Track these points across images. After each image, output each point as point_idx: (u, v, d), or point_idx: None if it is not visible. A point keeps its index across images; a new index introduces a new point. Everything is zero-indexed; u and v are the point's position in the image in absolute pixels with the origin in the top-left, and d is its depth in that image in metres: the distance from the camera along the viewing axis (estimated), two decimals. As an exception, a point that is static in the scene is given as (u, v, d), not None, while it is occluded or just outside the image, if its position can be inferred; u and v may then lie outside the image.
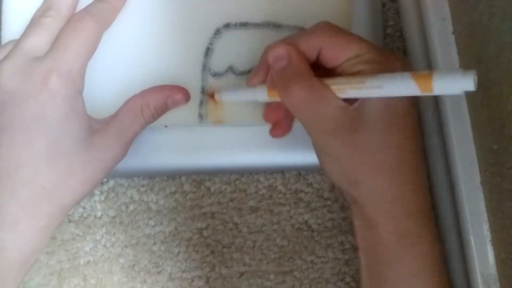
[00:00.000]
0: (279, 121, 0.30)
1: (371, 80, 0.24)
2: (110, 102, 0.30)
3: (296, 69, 0.26)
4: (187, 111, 0.31)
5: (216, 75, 0.32)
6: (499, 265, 0.32)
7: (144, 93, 0.30)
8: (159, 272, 0.37)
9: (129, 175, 0.37)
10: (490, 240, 0.33)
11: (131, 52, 0.32)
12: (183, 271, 0.37)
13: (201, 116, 0.32)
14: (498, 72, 0.30)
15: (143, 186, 0.37)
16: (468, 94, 0.34)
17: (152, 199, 0.37)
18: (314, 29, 0.27)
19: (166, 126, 0.33)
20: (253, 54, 0.31)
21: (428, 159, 0.37)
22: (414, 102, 0.26)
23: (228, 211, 0.37)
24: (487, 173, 0.33)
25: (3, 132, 0.26)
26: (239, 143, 0.34)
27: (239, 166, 0.36)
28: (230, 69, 0.32)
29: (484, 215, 0.33)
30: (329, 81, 0.25)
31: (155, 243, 0.37)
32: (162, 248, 0.37)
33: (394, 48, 0.38)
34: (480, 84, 0.32)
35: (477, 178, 0.33)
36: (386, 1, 0.39)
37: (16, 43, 0.28)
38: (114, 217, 0.37)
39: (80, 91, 0.28)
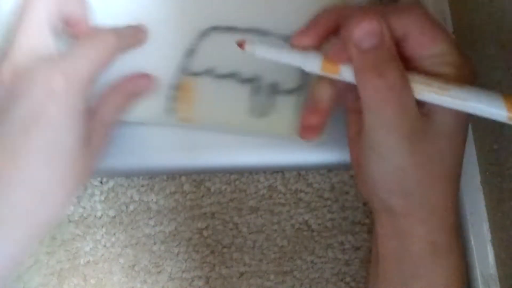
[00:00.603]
0: (316, 124, 0.28)
1: (456, 90, 0.21)
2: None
3: (390, 52, 0.22)
4: (153, 105, 0.31)
5: (193, 74, 0.31)
6: (499, 265, 0.32)
7: (104, 99, 0.30)
8: (159, 272, 0.37)
9: (129, 174, 0.37)
10: (490, 240, 0.33)
11: None
12: (183, 271, 0.37)
13: (167, 111, 0.31)
14: (498, 71, 0.30)
15: (143, 186, 0.37)
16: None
17: (152, 199, 0.37)
18: (406, 9, 0.23)
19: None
20: (233, 59, 0.31)
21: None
22: None
23: (228, 211, 0.37)
24: (487, 173, 0.33)
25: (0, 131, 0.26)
26: (239, 143, 0.34)
27: (239, 166, 0.35)
28: (209, 70, 0.31)
29: (484, 215, 0.33)
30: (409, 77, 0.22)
31: (155, 243, 0.37)
32: (162, 248, 0.37)
33: (394, 48, 0.38)
34: (480, 84, 0.32)
35: (477, 178, 0.33)
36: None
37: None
38: (114, 217, 0.37)
39: (83, 96, 0.27)
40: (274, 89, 0.31)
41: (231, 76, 0.31)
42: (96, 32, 0.29)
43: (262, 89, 0.31)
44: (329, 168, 0.37)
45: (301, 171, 0.37)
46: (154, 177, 0.37)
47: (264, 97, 0.31)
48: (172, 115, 0.31)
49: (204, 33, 0.32)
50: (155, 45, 0.32)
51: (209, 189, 0.37)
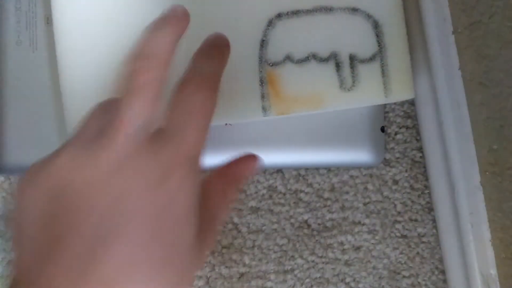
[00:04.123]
0: None
1: None
2: None
3: None
4: (250, 106, 0.31)
5: (274, 64, 0.31)
6: (499, 265, 0.32)
7: (222, 173, 0.25)
8: (159, 272, 0.36)
9: None
10: (490, 240, 0.33)
11: (189, 50, 0.31)
12: (183, 272, 0.36)
13: (264, 109, 0.31)
14: (498, 71, 0.30)
15: (142, 186, 0.37)
16: (468, 94, 0.34)
17: (152, 199, 0.37)
18: None
19: (227, 124, 0.32)
20: (308, 41, 0.31)
21: (428, 159, 0.37)
22: None
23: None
24: (487, 173, 0.33)
25: (111, 238, 0.19)
26: (239, 142, 0.34)
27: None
28: (288, 57, 0.32)
29: (484, 215, 0.33)
30: None
31: (154, 243, 0.36)
32: (161, 248, 0.36)
33: (393, 48, 0.38)
34: (480, 83, 0.32)
35: (477, 178, 0.33)
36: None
37: (114, 112, 0.20)
38: (114, 217, 0.37)
39: (199, 179, 0.22)
40: (355, 61, 0.32)
41: (310, 58, 0.32)
42: (191, 91, 0.22)
43: (344, 64, 0.32)
44: (329, 168, 0.37)
45: (300, 171, 0.37)
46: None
47: (347, 71, 0.32)
48: (270, 113, 0.31)
49: (271, 22, 0.32)
50: (232, 42, 0.31)
51: (208, 189, 0.37)
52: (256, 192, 0.37)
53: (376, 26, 0.32)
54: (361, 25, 0.32)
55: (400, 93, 0.32)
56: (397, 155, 0.38)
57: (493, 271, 0.33)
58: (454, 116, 0.34)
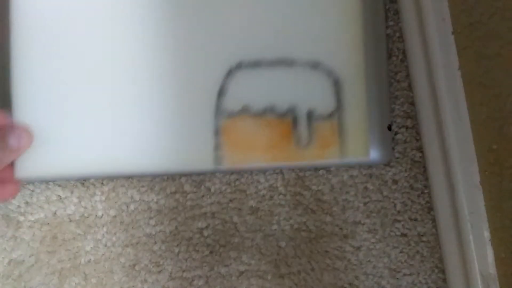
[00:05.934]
0: None
1: None
2: (122, 147, 0.29)
3: None
4: (202, 157, 0.30)
5: (230, 114, 0.31)
6: (499, 264, 0.33)
7: None
8: (160, 271, 0.37)
9: (130, 176, 0.37)
10: (489, 240, 0.33)
11: (144, 95, 0.31)
12: (184, 271, 0.37)
13: (216, 160, 0.31)
14: (498, 71, 0.30)
15: (143, 186, 0.37)
16: (467, 94, 0.34)
17: (153, 199, 0.37)
18: None
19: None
20: (266, 93, 0.31)
21: (428, 159, 0.37)
22: None
23: (228, 211, 0.37)
24: (487, 172, 0.33)
25: None
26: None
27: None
28: (245, 108, 0.31)
29: (483, 215, 0.33)
30: None
31: (155, 243, 0.37)
32: (162, 247, 0.37)
33: (393, 49, 0.38)
34: (479, 83, 0.32)
35: (477, 178, 0.33)
36: (385, 2, 0.39)
37: None
38: (115, 216, 0.37)
39: None
40: (312, 117, 0.31)
41: (268, 111, 0.31)
42: None
43: (301, 119, 0.31)
44: (328, 168, 0.37)
45: (300, 174, 0.37)
46: (154, 177, 0.37)
47: (304, 127, 0.31)
48: (222, 164, 0.31)
49: (231, 71, 0.31)
50: (190, 89, 0.31)
51: (209, 189, 0.37)
52: (256, 193, 0.37)
53: (337, 83, 0.31)
54: (321, 81, 0.31)
55: (355, 154, 0.31)
56: (397, 155, 0.38)
57: (492, 271, 0.33)
58: (454, 116, 0.34)
